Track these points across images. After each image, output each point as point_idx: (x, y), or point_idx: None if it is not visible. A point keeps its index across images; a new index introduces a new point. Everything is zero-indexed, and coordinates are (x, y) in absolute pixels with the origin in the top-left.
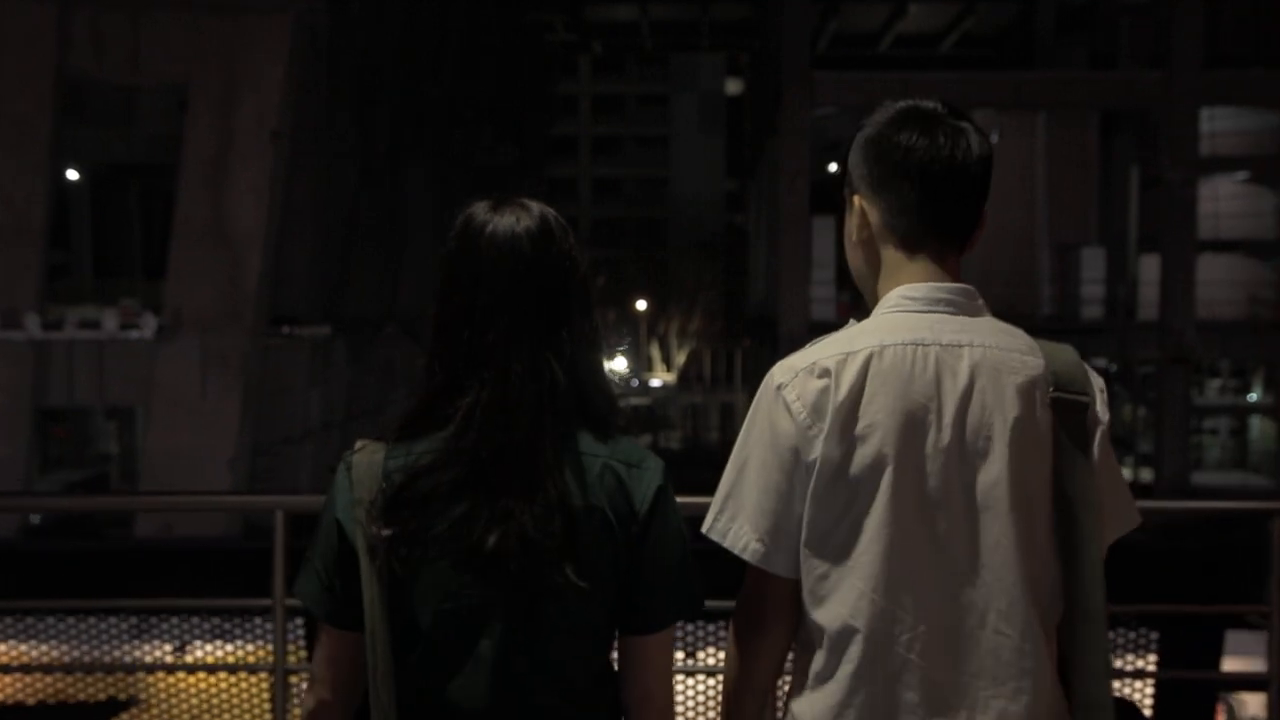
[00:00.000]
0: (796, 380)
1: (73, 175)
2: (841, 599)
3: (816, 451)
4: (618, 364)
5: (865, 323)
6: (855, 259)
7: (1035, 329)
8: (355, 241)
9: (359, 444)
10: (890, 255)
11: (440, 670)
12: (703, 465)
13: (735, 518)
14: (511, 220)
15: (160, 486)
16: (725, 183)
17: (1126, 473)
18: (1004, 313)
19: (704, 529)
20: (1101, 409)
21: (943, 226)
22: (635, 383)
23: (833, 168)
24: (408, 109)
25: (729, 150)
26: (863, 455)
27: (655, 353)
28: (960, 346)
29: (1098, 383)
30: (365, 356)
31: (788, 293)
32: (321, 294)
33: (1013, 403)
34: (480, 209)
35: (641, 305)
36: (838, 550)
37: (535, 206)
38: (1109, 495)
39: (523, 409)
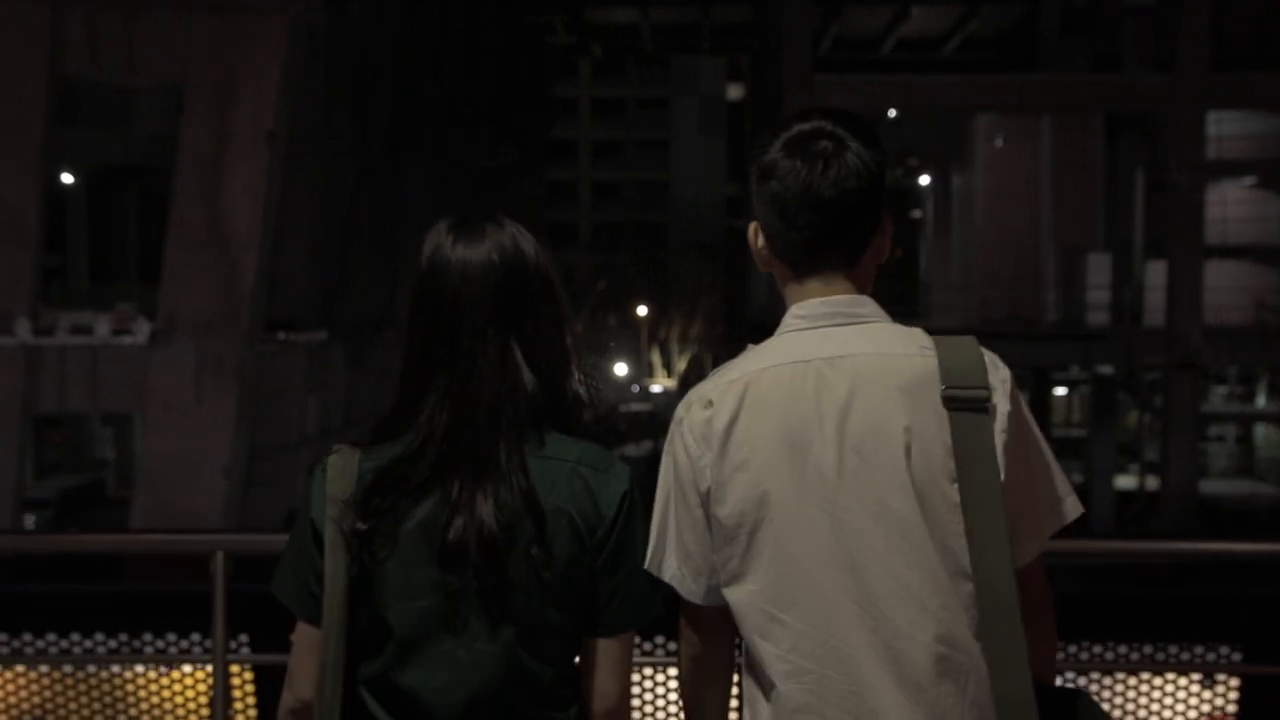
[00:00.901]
0: (690, 412)
1: (70, 178)
2: (759, 625)
3: (707, 481)
4: (618, 369)
5: (760, 346)
6: (776, 280)
7: (1041, 335)
8: (353, 244)
9: (336, 447)
10: (783, 278)
11: (406, 665)
12: None
13: (662, 548)
14: (469, 251)
15: (156, 492)
16: (726, 186)
17: (1131, 480)
18: (1008, 318)
19: (647, 564)
20: (1002, 400)
21: (823, 252)
22: (636, 388)
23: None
24: (407, 110)
25: (730, 154)
26: (745, 483)
27: (656, 358)
28: (841, 358)
29: (999, 373)
30: (363, 361)
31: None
32: (319, 297)
33: (899, 407)
34: (442, 236)
35: (642, 310)
36: (738, 578)
37: (497, 229)
38: (1029, 490)
39: (482, 409)
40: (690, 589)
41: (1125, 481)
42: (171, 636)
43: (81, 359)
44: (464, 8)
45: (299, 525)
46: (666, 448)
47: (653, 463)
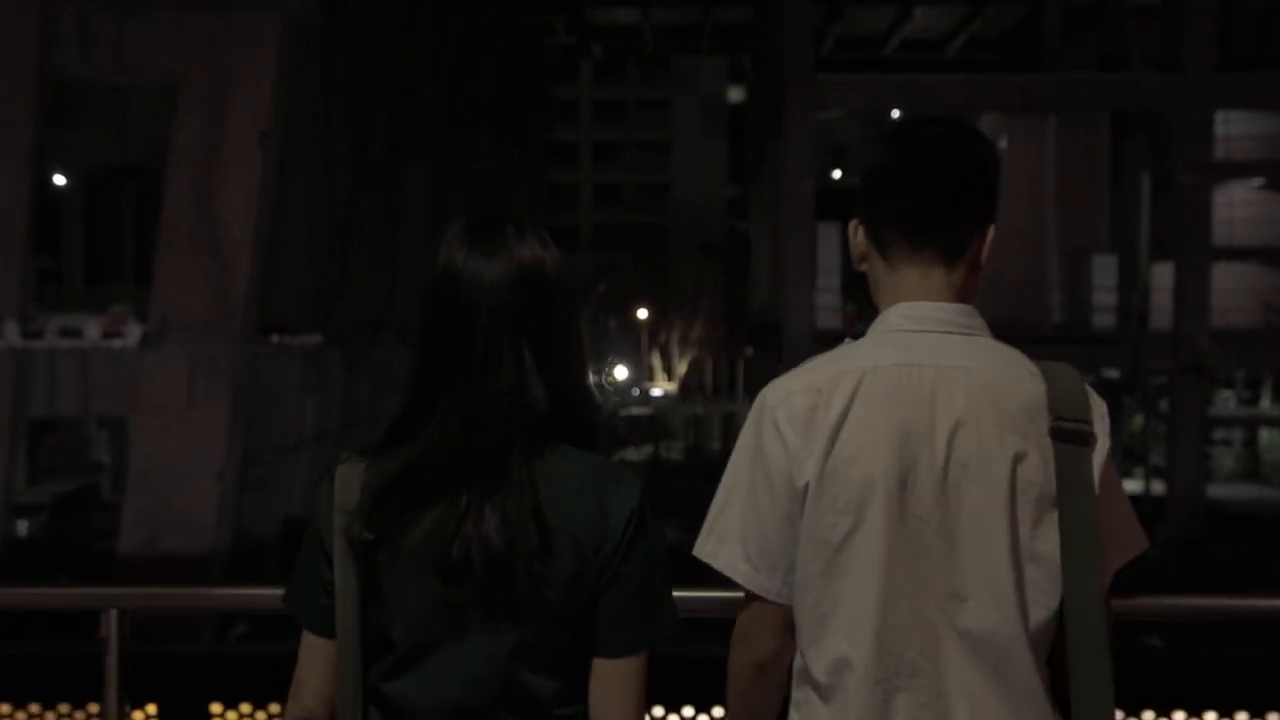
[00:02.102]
0: (788, 401)
1: (66, 179)
2: (837, 629)
3: (808, 474)
4: (618, 373)
5: (861, 341)
6: (869, 281)
7: (1045, 337)
8: (351, 245)
9: (344, 455)
10: (881, 272)
11: (403, 675)
12: (704, 475)
13: (725, 540)
14: (486, 260)
15: (147, 497)
16: (727, 188)
17: (1137, 485)
18: (1012, 321)
19: (695, 550)
20: (1103, 434)
21: (925, 236)
22: (636, 392)
23: (837, 174)
24: (406, 110)
25: (731, 155)
26: (853, 477)
27: (656, 361)
28: (958, 369)
29: (1099, 407)
30: (361, 363)
31: (792, 300)
32: (315, 299)
33: (1010, 430)
34: (459, 242)
35: (643, 313)
36: (830, 577)
37: (515, 237)
38: (1112, 523)
39: (494, 420)
40: (765, 585)
41: (1131, 486)
42: (64, 708)
43: (71, 362)
44: (463, 7)
45: (308, 535)
46: (747, 435)
47: (655, 466)
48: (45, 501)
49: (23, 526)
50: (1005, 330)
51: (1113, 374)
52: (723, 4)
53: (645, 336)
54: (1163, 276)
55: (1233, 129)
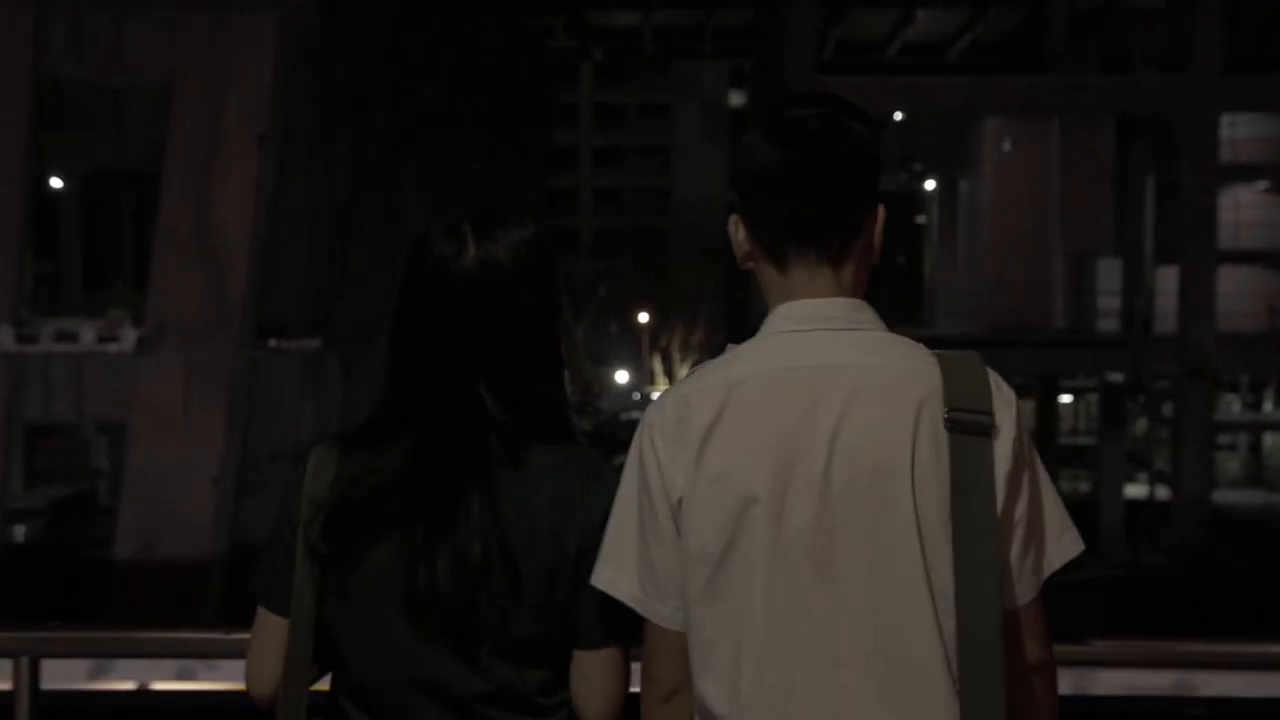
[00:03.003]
0: (660, 414)
1: (64, 182)
2: (722, 655)
3: (679, 489)
4: (619, 377)
5: (743, 347)
6: (755, 279)
7: (1049, 341)
8: (349, 249)
9: (314, 447)
10: (768, 272)
11: (371, 675)
12: None
13: (621, 565)
14: (454, 251)
15: (143, 503)
16: (727, 193)
17: (1141, 490)
18: (1016, 325)
19: (592, 579)
20: (1008, 424)
21: (809, 237)
22: (637, 396)
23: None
24: (404, 113)
25: (732, 159)
26: (725, 494)
27: (657, 365)
28: (838, 367)
29: (1005, 394)
30: (359, 367)
31: None
32: (313, 303)
33: (900, 427)
34: (428, 235)
35: (643, 317)
36: (712, 599)
37: (490, 228)
38: (1031, 523)
39: (452, 448)
40: (658, 611)
41: (1135, 491)
42: None
43: (66, 366)
44: (462, 9)
45: (279, 514)
46: (631, 454)
47: None
48: (42, 506)
49: (19, 532)
50: (1008, 334)
51: (1117, 378)
52: (724, 7)
53: (646, 340)
54: (1167, 280)
55: (1238, 131)
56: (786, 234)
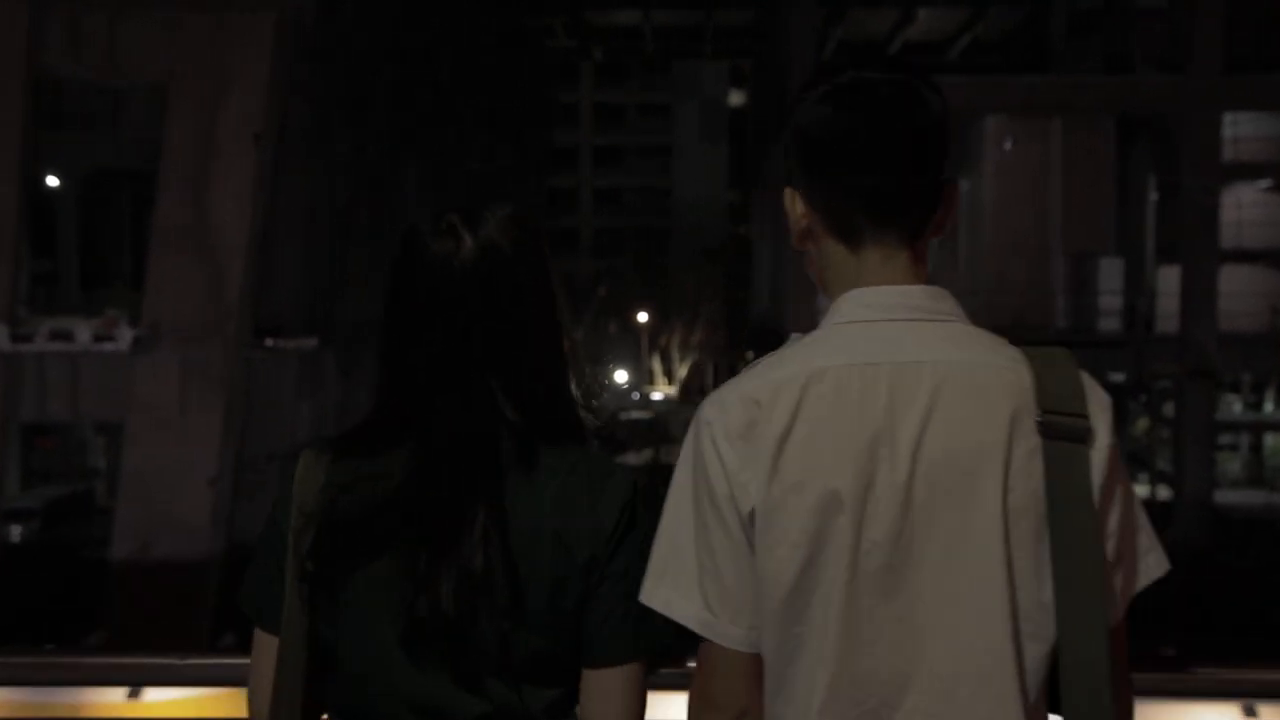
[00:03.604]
0: (724, 414)
1: (62, 181)
2: (800, 679)
3: (752, 500)
4: (619, 376)
5: (809, 338)
6: (808, 262)
7: (1049, 341)
8: (347, 248)
9: (305, 450)
10: (834, 253)
11: (363, 697)
12: None
13: (678, 583)
14: (451, 245)
15: (139, 503)
16: (727, 193)
17: (1143, 490)
18: (1016, 324)
19: (643, 597)
20: (1103, 429)
21: (888, 216)
22: (636, 396)
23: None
24: (404, 111)
25: (732, 159)
26: (802, 505)
27: (657, 365)
28: (920, 364)
29: (1099, 399)
30: (357, 368)
31: (794, 304)
32: (311, 303)
33: (988, 430)
34: (419, 231)
35: (643, 317)
36: (788, 619)
37: (483, 222)
38: (1124, 538)
39: (455, 457)
40: (729, 634)
41: (1136, 491)
42: None
43: (61, 366)
44: (462, 9)
45: (267, 525)
46: (685, 457)
47: (655, 471)
48: (37, 507)
49: (15, 532)
50: (1010, 334)
51: (1118, 378)
52: (724, 6)
53: (645, 340)
54: (1169, 280)
55: (1240, 130)
56: (864, 210)
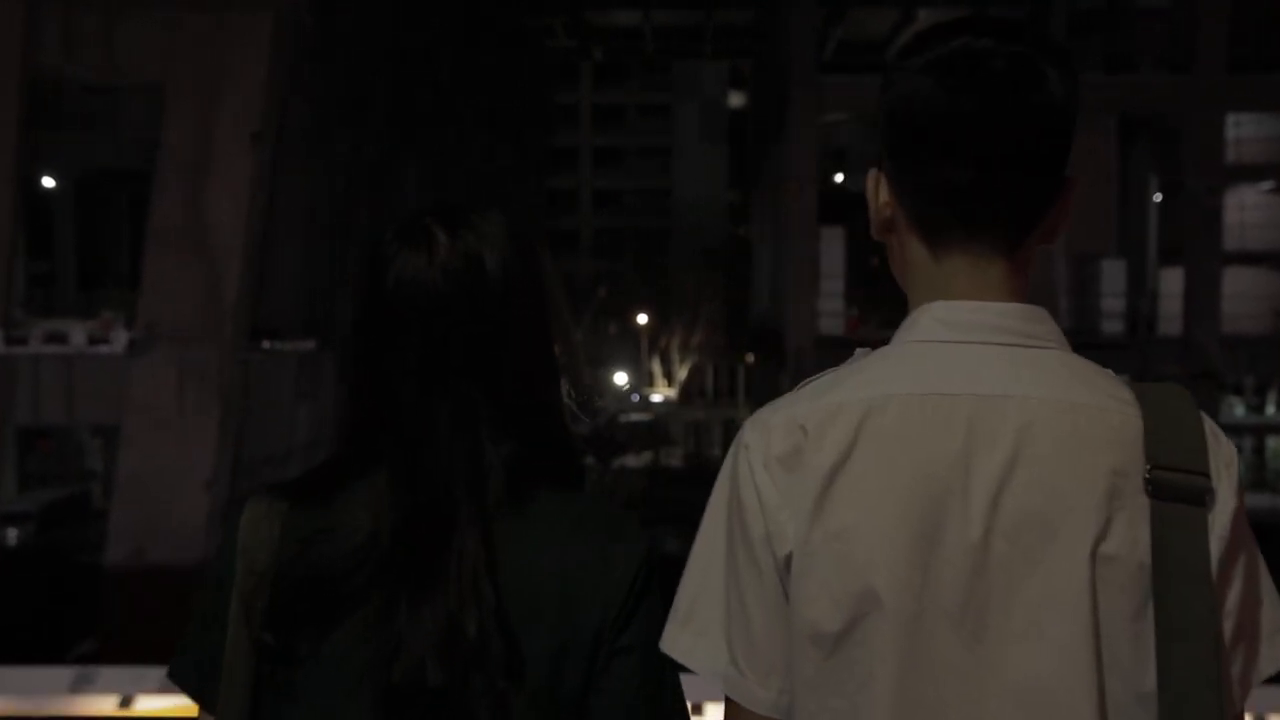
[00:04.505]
0: (766, 438)
1: (59, 182)
2: None
3: (789, 542)
4: (618, 379)
5: (876, 355)
6: (890, 257)
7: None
8: (346, 249)
9: (252, 497)
10: (915, 254)
11: None
12: (704, 482)
13: (704, 631)
14: (423, 259)
15: (134, 507)
16: (728, 194)
17: None
18: None
19: (663, 644)
20: (1228, 491)
21: (985, 214)
22: (636, 398)
23: (839, 178)
24: (403, 112)
25: (732, 161)
26: (850, 556)
27: (656, 367)
28: (1006, 399)
29: (1224, 452)
30: None
31: (794, 305)
32: (308, 304)
33: (1085, 484)
34: (391, 240)
35: (643, 319)
36: (825, 687)
37: (457, 228)
38: (1245, 619)
39: (435, 498)
40: (757, 696)
41: None
42: None
43: (57, 368)
44: (461, 8)
45: (206, 591)
46: (721, 484)
47: (654, 474)
48: (33, 510)
49: (12, 535)
50: None
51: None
52: (724, 7)
53: (645, 342)
54: (1172, 282)
55: (1243, 131)
56: (953, 209)
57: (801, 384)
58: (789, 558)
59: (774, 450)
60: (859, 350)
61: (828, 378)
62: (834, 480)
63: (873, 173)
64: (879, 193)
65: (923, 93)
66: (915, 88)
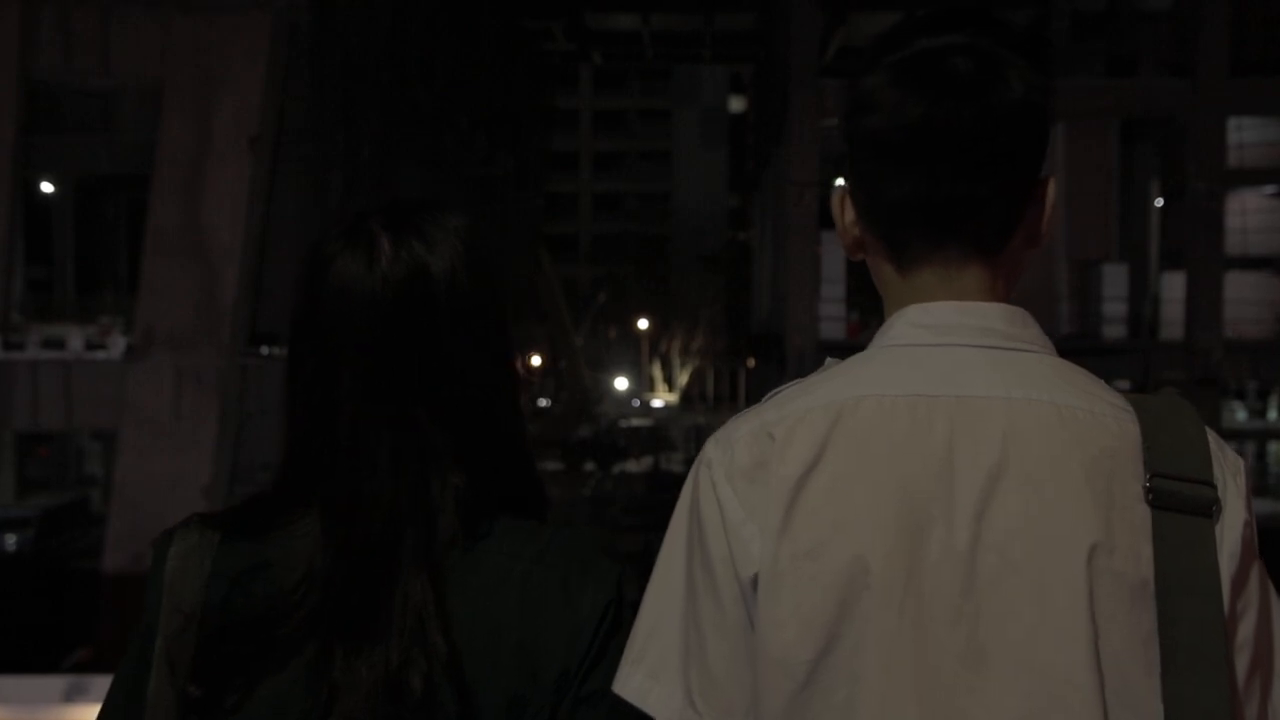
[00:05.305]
0: (729, 450)
1: (56, 187)
2: None
3: (754, 562)
4: (619, 384)
5: (849, 363)
6: (871, 272)
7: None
8: None
9: (181, 528)
10: (882, 272)
11: None
12: None
13: (659, 670)
14: (362, 264)
15: (131, 514)
16: (728, 198)
17: None
18: None
19: (615, 686)
20: (1236, 501)
21: (951, 225)
22: (636, 403)
23: (840, 182)
24: (399, 115)
25: (732, 165)
26: (822, 576)
27: (657, 372)
28: (989, 400)
29: (1229, 461)
30: None
31: (795, 310)
32: None
33: (1079, 494)
34: (331, 243)
35: (643, 324)
36: None
37: (400, 232)
38: (1256, 646)
39: (373, 540)
40: None
41: None
42: None
43: (54, 374)
44: (460, 11)
45: (136, 638)
46: (682, 504)
47: (654, 478)
48: (32, 516)
49: (10, 541)
50: None
51: (1123, 385)
52: (724, 11)
53: (646, 347)
54: (1174, 286)
55: (1246, 135)
56: (910, 225)
57: (768, 395)
58: (754, 579)
59: (738, 462)
60: (829, 359)
61: (798, 384)
62: (802, 490)
63: (837, 191)
64: (845, 213)
65: (885, 99)
66: (870, 98)
